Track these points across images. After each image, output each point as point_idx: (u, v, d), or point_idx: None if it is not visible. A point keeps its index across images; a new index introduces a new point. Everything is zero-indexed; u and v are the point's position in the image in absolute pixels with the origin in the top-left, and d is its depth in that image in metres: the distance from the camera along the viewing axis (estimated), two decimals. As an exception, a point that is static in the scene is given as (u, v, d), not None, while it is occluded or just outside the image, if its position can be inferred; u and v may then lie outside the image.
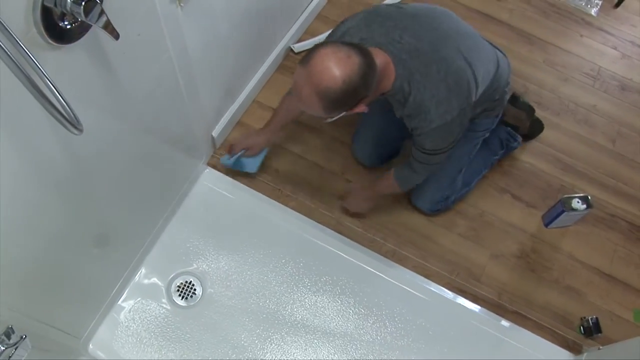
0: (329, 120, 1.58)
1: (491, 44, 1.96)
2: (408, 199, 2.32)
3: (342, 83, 1.43)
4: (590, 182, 2.46)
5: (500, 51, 2.02)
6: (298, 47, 2.62)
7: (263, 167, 2.31)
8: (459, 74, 1.67)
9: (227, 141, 2.35)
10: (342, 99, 1.47)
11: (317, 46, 1.49)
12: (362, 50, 1.48)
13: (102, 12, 1.04)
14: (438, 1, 2.86)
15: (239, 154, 2.19)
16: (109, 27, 1.08)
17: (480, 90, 1.78)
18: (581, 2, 3.00)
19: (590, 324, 2.14)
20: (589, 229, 2.36)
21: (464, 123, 1.75)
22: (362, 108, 1.56)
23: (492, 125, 2.15)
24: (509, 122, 2.40)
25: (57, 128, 1.05)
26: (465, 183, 2.29)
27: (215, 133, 2.26)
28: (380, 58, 1.57)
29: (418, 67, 1.62)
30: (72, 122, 1.04)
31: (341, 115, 1.56)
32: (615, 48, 2.87)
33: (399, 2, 1.85)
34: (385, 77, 1.61)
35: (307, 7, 2.66)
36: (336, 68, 1.43)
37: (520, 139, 2.40)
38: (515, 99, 2.37)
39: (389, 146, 2.33)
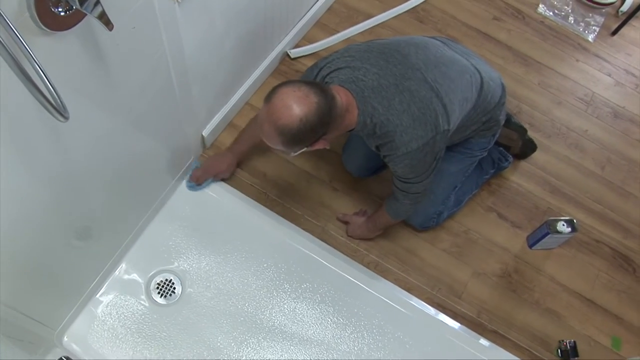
0: (292, 155, 1.63)
1: (474, 65, 1.94)
2: (437, 233, 2.33)
3: (299, 121, 1.48)
4: (577, 206, 2.47)
5: (495, 71, 2.02)
6: (295, 52, 2.62)
7: (251, 171, 2.31)
8: (424, 103, 1.68)
9: (202, 157, 2.35)
10: (300, 136, 1.52)
11: (280, 84, 1.54)
12: (322, 90, 1.53)
13: (97, 2, 1.04)
14: (439, 18, 2.89)
15: (208, 182, 2.25)
16: (103, 18, 1.07)
17: (457, 116, 1.78)
18: (579, 28, 3.02)
19: (568, 347, 2.14)
20: (573, 252, 2.36)
21: (436, 151, 1.75)
22: (322, 144, 1.61)
23: (488, 145, 2.15)
24: (501, 142, 2.40)
25: (44, 115, 1.04)
26: (457, 201, 2.29)
27: (205, 132, 2.26)
28: (342, 96, 1.62)
29: (380, 101, 1.65)
30: (58, 109, 1.03)
31: (302, 150, 1.60)
32: (609, 75, 2.88)
33: (374, 39, 1.89)
34: (349, 114, 1.65)
35: (307, 13, 2.66)
36: (295, 106, 1.48)
37: (511, 158, 2.41)
38: (507, 120, 2.38)
39: (378, 159, 2.33)
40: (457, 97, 1.78)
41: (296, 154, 1.61)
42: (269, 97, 1.52)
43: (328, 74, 1.73)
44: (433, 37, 1.96)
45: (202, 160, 2.29)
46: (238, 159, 2.27)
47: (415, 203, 1.97)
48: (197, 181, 2.22)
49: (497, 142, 2.38)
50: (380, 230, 2.24)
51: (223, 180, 2.28)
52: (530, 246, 2.34)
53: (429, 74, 1.73)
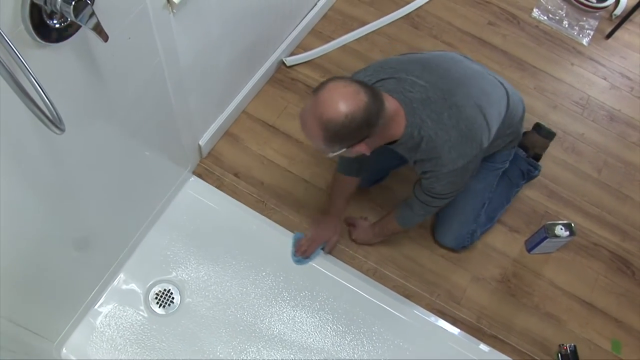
0: (331, 155, 1.57)
1: (497, 79, 1.95)
2: (432, 237, 2.33)
3: (344, 117, 1.43)
4: (574, 209, 2.47)
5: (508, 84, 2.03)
6: (290, 60, 2.62)
7: (249, 179, 2.32)
8: (470, 121, 1.67)
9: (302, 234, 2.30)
10: (343, 133, 1.46)
11: (331, 78, 1.50)
12: (373, 92, 1.49)
13: (92, 14, 1.03)
14: (434, 24, 2.89)
15: (317, 252, 2.21)
16: (98, 29, 1.07)
17: (493, 132, 1.78)
18: (573, 31, 3.03)
19: (569, 351, 2.14)
20: (571, 256, 2.36)
21: (473, 168, 1.75)
22: (363, 148, 1.55)
23: (509, 157, 2.17)
24: (537, 152, 2.44)
25: (40, 127, 1.04)
26: (489, 218, 2.29)
27: (202, 142, 2.26)
28: (391, 104, 1.58)
29: (429, 115, 1.62)
30: (54, 121, 1.03)
31: (342, 151, 1.55)
32: (605, 78, 2.89)
33: (409, 53, 1.89)
34: (395, 124, 1.61)
35: (301, 21, 2.66)
36: (342, 102, 1.43)
37: (540, 166, 2.42)
38: (540, 128, 2.43)
39: (380, 173, 2.34)
40: (494, 113, 1.79)
41: (334, 154, 1.56)
42: (317, 90, 1.48)
43: (372, 85, 1.66)
44: (453, 52, 1.96)
45: (304, 231, 2.25)
46: (340, 220, 2.23)
47: (428, 214, 1.98)
48: (305, 254, 2.19)
49: (529, 151, 2.40)
50: (385, 237, 2.24)
51: (332, 246, 2.24)
52: (529, 250, 2.34)
53: (472, 89, 1.74)
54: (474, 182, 2.11)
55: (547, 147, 2.46)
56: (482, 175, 2.07)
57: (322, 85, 1.48)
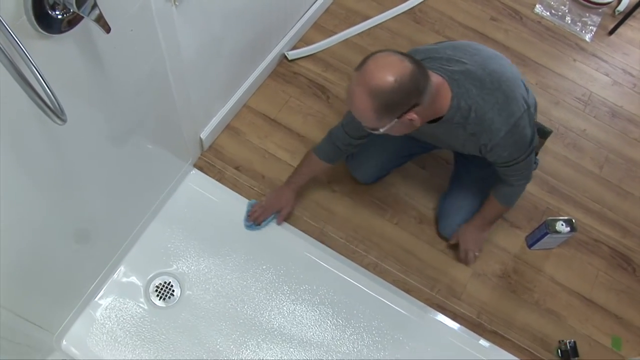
0: (381, 130, 1.56)
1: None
2: (435, 230, 2.33)
3: (394, 82, 1.43)
4: (575, 205, 2.47)
5: None
6: (292, 54, 2.62)
7: (250, 173, 2.32)
8: (511, 81, 1.68)
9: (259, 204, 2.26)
10: (394, 99, 1.47)
11: (372, 53, 1.50)
12: (416, 61, 1.50)
13: (95, 5, 1.04)
14: (436, 19, 2.89)
15: (268, 220, 2.21)
16: (101, 20, 1.07)
17: (531, 101, 1.79)
18: (576, 28, 3.02)
19: (568, 347, 2.13)
20: (572, 252, 2.36)
21: (532, 124, 1.75)
22: (413, 116, 1.54)
23: None
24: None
25: (42, 118, 1.04)
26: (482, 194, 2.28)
27: (203, 135, 2.25)
28: (434, 78, 1.58)
29: (473, 83, 1.63)
30: (55, 112, 1.03)
31: (392, 124, 1.54)
32: (607, 74, 2.89)
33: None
34: (440, 97, 1.61)
35: (304, 15, 2.66)
36: (388, 68, 1.45)
37: (538, 160, 2.40)
38: (540, 131, 2.42)
39: (388, 167, 2.34)
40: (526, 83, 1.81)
41: (385, 128, 1.55)
42: (360, 64, 1.49)
43: None
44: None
45: (258, 199, 2.26)
46: (296, 193, 2.23)
47: (528, 180, 1.97)
48: (257, 220, 2.20)
49: None
50: (491, 225, 2.24)
51: (284, 217, 2.25)
52: (530, 246, 2.34)
53: (504, 61, 1.76)
54: (481, 172, 2.12)
55: (542, 145, 2.45)
56: (492, 169, 2.07)
57: (364, 59, 1.49)
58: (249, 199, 2.26)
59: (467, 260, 2.25)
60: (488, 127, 1.67)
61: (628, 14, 3.01)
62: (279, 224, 2.22)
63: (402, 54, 1.50)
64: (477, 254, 2.26)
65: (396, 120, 1.53)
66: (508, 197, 2.06)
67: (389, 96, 1.46)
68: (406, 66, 1.45)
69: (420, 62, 1.52)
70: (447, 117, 1.66)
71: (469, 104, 1.63)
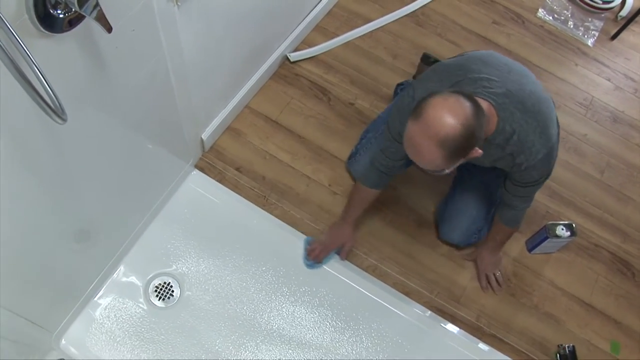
0: (446, 171, 1.54)
1: None
2: (436, 235, 2.33)
3: (462, 127, 1.41)
4: (576, 210, 2.46)
5: None
6: (294, 56, 2.62)
7: (250, 174, 2.32)
8: (547, 103, 1.69)
9: (314, 240, 2.21)
10: (463, 144, 1.44)
11: (424, 99, 1.47)
12: (467, 95, 1.48)
13: (96, 4, 1.03)
14: (439, 22, 2.89)
15: (329, 257, 2.19)
16: (102, 20, 1.07)
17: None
18: (578, 32, 3.02)
19: (567, 352, 2.13)
20: (572, 257, 2.36)
21: (558, 146, 1.76)
22: (477, 152, 1.52)
23: None
24: None
25: (42, 117, 1.04)
26: (493, 216, 2.28)
27: (204, 136, 2.26)
28: (483, 104, 1.56)
29: (516, 105, 1.62)
30: (56, 111, 1.03)
31: (458, 164, 1.53)
32: (609, 79, 2.89)
33: (452, 58, 1.91)
34: (489, 122, 1.59)
35: (306, 17, 2.66)
36: (451, 114, 1.41)
37: None
38: None
39: (394, 174, 2.33)
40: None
41: (450, 169, 1.53)
42: (418, 114, 1.45)
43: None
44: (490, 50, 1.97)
45: (315, 236, 2.24)
46: (354, 227, 2.21)
47: (529, 205, 1.98)
48: (318, 259, 2.17)
49: None
50: (504, 245, 2.24)
51: (347, 252, 2.23)
52: (530, 250, 2.34)
53: (533, 77, 1.76)
54: (484, 177, 2.13)
55: None
56: (496, 173, 2.07)
57: (420, 107, 1.45)
58: (252, 202, 2.26)
59: (491, 284, 2.24)
60: (528, 149, 1.66)
61: (630, 19, 3.01)
62: (343, 259, 2.21)
63: (454, 92, 1.47)
64: (497, 274, 2.25)
65: (462, 159, 1.51)
66: (514, 220, 2.05)
67: (459, 141, 1.43)
68: (466, 106, 1.43)
69: (471, 95, 1.50)
70: (490, 139, 1.65)
71: (513, 128, 1.62)
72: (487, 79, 1.64)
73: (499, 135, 1.64)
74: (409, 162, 2.05)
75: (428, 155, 1.46)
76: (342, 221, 2.20)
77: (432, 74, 1.77)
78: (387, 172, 1.98)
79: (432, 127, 1.42)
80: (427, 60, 2.46)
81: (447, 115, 1.41)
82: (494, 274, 2.24)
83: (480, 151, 1.52)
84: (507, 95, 1.62)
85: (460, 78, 1.67)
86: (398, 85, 2.55)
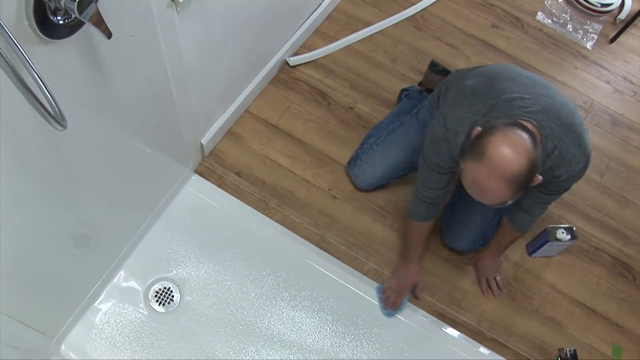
0: (509, 202, 1.54)
1: None
2: (440, 240, 2.32)
3: (527, 161, 1.42)
4: (576, 213, 2.46)
5: None
6: (293, 60, 2.62)
7: (251, 179, 2.32)
8: (576, 113, 1.69)
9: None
10: (529, 176, 1.46)
11: (481, 139, 1.47)
12: (520, 124, 1.49)
13: (96, 10, 1.03)
14: (438, 26, 2.89)
15: (405, 301, 2.16)
16: (102, 26, 1.07)
17: None
18: (577, 35, 3.03)
19: (568, 355, 2.13)
20: (573, 260, 2.36)
21: None
22: (538, 179, 1.53)
23: None
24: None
25: (42, 123, 1.04)
26: (497, 221, 2.28)
27: (204, 140, 2.25)
28: (529, 127, 1.56)
29: (554, 121, 1.62)
30: (56, 118, 1.03)
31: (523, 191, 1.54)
32: (608, 82, 2.89)
33: (470, 71, 1.90)
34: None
35: (305, 21, 2.66)
36: (515, 151, 1.42)
37: None
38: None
39: (390, 178, 2.35)
40: None
41: (513, 200, 1.53)
42: (480, 155, 1.45)
43: (483, 119, 1.64)
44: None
45: (384, 282, 2.21)
46: (420, 262, 2.19)
47: (544, 213, 1.98)
48: (395, 306, 2.14)
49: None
50: (506, 250, 2.24)
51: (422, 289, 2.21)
52: (530, 254, 2.33)
53: (554, 88, 1.76)
54: None
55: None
56: None
57: (480, 148, 1.45)
58: (252, 207, 2.26)
59: (491, 288, 2.24)
60: (569, 161, 1.66)
61: (629, 22, 3.00)
62: (418, 297, 2.19)
63: (508, 124, 1.47)
64: (497, 278, 2.25)
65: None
66: (525, 226, 2.04)
67: (525, 175, 1.44)
68: (525, 138, 1.44)
69: (520, 123, 1.51)
70: None
71: (554, 143, 1.62)
72: (520, 97, 1.64)
73: (542, 152, 1.62)
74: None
75: (495, 194, 1.48)
76: (406, 262, 2.17)
77: (461, 99, 1.74)
78: (434, 202, 1.96)
79: (499, 167, 1.43)
80: (435, 68, 2.46)
81: (511, 152, 1.42)
82: (495, 278, 2.24)
83: (540, 177, 1.52)
84: (543, 112, 1.61)
85: (493, 101, 1.66)
86: (402, 90, 2.54)
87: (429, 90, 2.44)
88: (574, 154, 1.65)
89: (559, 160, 1.66)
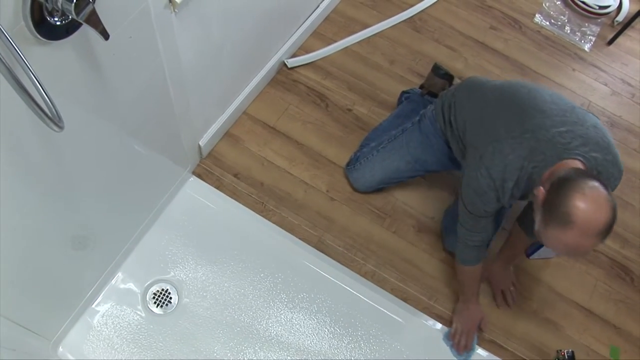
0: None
1: None
2: (440, 244, 2.32)
3: (611, 209, 1.43)
4: (574, 215, 2.46)
5: None
6: (292, 62, 2.62)
7: (248, 180, 2.32)
8: (603, 128, 1.70)
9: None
10: (614, 219, 1.45)
11: (558, 204, 1.46)
12: (585, 172, 1.50)
13: (93, 11, 1.03)
14: (436, 27, 2.89)
15: (475, 341, 2.15)
16: (99, 27, 1.07)
17: None
18: (575, 37, 3.03)
19: (566, 357, 2.13)
20: (571, 262, 2.36)
21: None
22: None
23: None
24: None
25: (39, 124, 1.04)
26: (497, 224, 2.27)
27: (202, 142, 2.25)
28: (579, 164, 1.57)
29: (594, 149, 1.62)
30: (53, 119, 1.03)
31: None
32: (606, 84, 2.89)
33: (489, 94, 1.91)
34: None
35: (304, 23, 2.66)
36: (599, 207, 1.42)
37: None
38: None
39: (390, 183, 2.36)
40: None
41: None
42: (565, 220, 1.43)
43: (531, 171, 1.64)
44: (516, 80, 1.94)
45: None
46: (479, 301, 2.18)
47: None
48: (467, 347, 2.12)
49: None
50: (514, 261, 2.24)
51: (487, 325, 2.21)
52: (528, 256, 2.32)
53: (573, 103, 1.77)
54: None
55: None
56: None
57: (565, 214, 1.44)
58: (250, 208, 2.26)
59: (507, 300, 2.24)
60: (607, 179, 1.66)
61: (627, 24, 3.01)
62: (484, 331, 2.18)
63: (577, 177, 1.47)
64: (512, 289, 2.25)
65: None
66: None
67: (613, 220, 1.44)
68: (599, 188, 1.44)
69: (587, 171, 1.53)
70: None
71: (598, 170, 1.63)
72: (558, 133, 1.63)
73: None
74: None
75: (588, 249, 1.48)
76: (466, 304, 2.15)
77: (497, 144, 1.71)
78: (484, 244, 1.95)
79: (590, 227, 1.42)
80: (438, 71, 2.46)
81: (596, 208, 1.42)
82: (510, 290, 2.24)
83: None
84: (584, 143, 1.62)
85: (533, 143, 1.64)
86: (403, 93, 2.54)
87: (431, 94, 2.44)
88: (613, 173, 1.67)
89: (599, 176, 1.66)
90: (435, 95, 2.44)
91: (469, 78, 2.07)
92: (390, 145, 2.23)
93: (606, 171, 1.64)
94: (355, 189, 2.36)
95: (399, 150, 2.20)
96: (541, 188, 1.53)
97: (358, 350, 2.08)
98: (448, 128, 2.01)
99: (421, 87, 2.52)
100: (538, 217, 1.52)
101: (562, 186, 1.48)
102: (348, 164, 2.38)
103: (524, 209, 2.02)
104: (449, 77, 2.46)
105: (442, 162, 2.15)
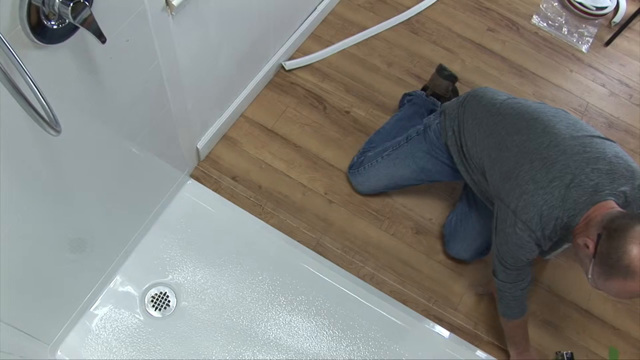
0: None
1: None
2: (440, 247, 2.32)
3: None
4: (572, 217, 2.46)
5: None
6: (289, 64, 2.62)
7: (247, 183, 2.32)
8: (625, 155, 1.72)
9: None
10: None
11: (615, 257, 1.46)
12: (629, 216, 1.50)
13: (90, 15, 1.03)
14: (433, 29, 2.89)
15: None
16: (96, 31, 1.06)
17: None
18: (572, 39, 3.03)
19: (565, 358, 2.13)
20: (569, 263, 2.36)
21: None
22: None
23: None
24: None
25: (36, 128, 1.04)
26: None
27: (200, 145, 2.25)
28: (611, 205, 1.58)
29: (619, 182, 1.63)
30: (49, 123, 1.03)
31: None
32: (603, 85, 2.89)
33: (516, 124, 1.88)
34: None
35: (301, 25, 2.66)
36: None
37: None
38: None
39: (396, 189, 2.36)
40: None
41: None
42: (627, 272, 1.44)
43: (567, 220, 1.64)
44: (536, 104, 1.93)
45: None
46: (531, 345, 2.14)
47: None
48: None
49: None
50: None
51: None
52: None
53: (586, 125, 1.80)
54: None
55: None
56: None
57: (625, 266, 1.44)
58: (248, 211, 2.26)
59: None
60: (633, 202, 1.66)
61: (624, 25, 3.02)
62: None
63: (623, 224, 1.47)
64: None
65: None
66: None
67: None
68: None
69: (621, 213, 1.53)
70: None
71: (628, 201, 1.63)
72: (585, 175, 1.64)
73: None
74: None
75: None
76: (520, 353, 2.11)
77: (527, 196, 1.70)
78: (523, 292, 1.94)
79: None
80: (442, 72, 2.46)
81: None
82: None
83: None
84: (611, 180, 1.62)
85: (563, 191, 1.64)
86: (405, 95, 2.54)
87: (435, 95, 2.45)
88: (636, 196, 1.66)
89: (626, 206, 1.66)
90: (439, 97, 2.45)
91: (471, 96, 2.04)
92: (395, 153, 2.22)
93: (631, 196, 1.64)
94: (357, 192, 2.36)
95: (405, 160, 2.19)
96: (588, 239, 1.54)
97: (357, 353, 2.08)
98: (462, 156, 2.01)
99: (425, 88, 2.52)
100: (591, 268, 1.52)
101: (614, 238, 1.48)
102: (351, 167, 2.37)
103: None
104: (453, 79, 2.46)
105: (448, 173, 2.15)
